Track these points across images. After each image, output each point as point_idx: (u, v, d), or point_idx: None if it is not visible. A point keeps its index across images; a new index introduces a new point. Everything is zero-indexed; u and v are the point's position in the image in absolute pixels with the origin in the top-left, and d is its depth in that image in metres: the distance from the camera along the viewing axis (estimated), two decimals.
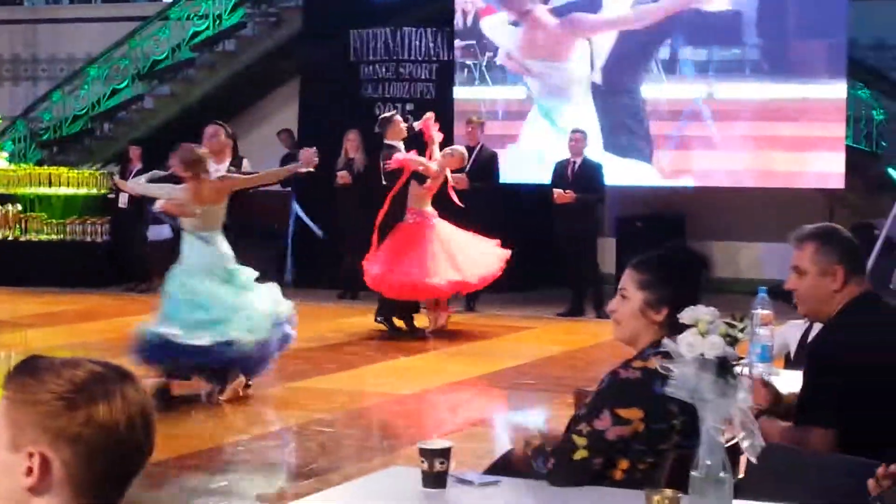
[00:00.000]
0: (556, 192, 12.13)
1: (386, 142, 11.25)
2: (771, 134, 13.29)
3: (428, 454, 3.18)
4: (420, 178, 11.12)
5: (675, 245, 3.63)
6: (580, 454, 3.27)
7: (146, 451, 1.82)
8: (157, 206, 8.65)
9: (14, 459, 1.76)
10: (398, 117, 11.47)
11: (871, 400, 3.62)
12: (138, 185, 8.88)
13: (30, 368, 1.80)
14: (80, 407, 1.75)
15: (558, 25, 14.02)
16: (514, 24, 14.26)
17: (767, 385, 3.90)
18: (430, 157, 11.27)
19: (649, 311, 3.41)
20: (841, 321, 3.73)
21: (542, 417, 8.15)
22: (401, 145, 11.17)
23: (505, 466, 3.61)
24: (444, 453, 3.19)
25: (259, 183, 9.21)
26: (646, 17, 13.76)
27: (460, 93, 14.46)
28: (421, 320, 11.38)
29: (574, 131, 12.65)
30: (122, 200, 14.22)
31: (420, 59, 14.89)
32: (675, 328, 3.24)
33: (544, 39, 14.00)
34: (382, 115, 11.74)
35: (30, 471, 1.75)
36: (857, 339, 3.67)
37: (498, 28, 14.27)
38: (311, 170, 8.83)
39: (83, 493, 1.77)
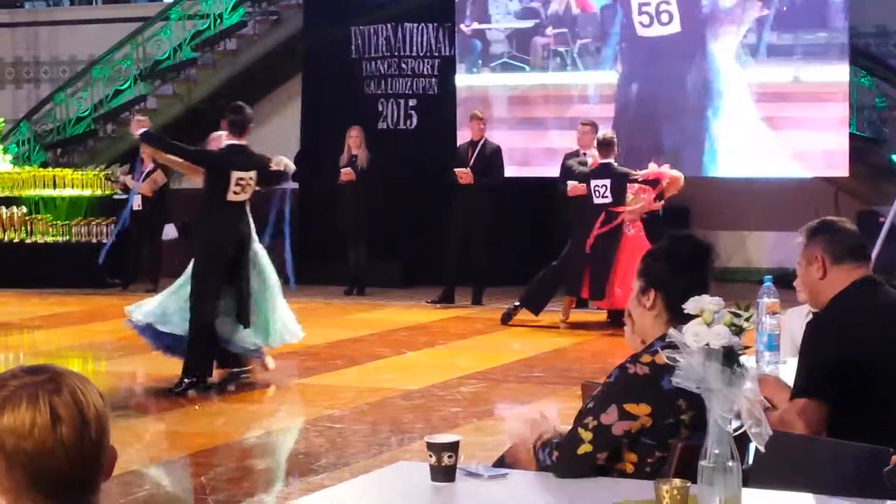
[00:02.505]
0: (570, 184, 11.90)
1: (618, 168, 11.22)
2: (774, 123, 13.27)
3: (436, 448, 3.18)
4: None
5: (673, 233, 3.62)
6: (584, 448, 3.27)
7: (65, 455, 1.84)
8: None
9: None
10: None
11: (859, 376, 3.73)
12: None
13: None
14: None
15: None
16: None
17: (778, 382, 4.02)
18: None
19: (642, 297, 3.43)
20: (835, 303, 3.90)
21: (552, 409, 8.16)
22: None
23: (514, 460, 3.61)
24: (452, 447, 3.19)
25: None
26: None
27: (563, 78, 14.20)
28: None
29: (583, 123, 12.37)
30: (136, 202, 14.22)
31: (422, 54, 14.89)
32: (677, 314, 3.24)
33: None
34: (606, 138, 11.34)
35: None
36: (850, 317, 3.84)
37: None
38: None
39: (20, 500, 1.84)
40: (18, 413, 1.83)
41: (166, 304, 8.54)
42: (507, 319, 11.55)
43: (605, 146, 11.23)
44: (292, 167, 9.04)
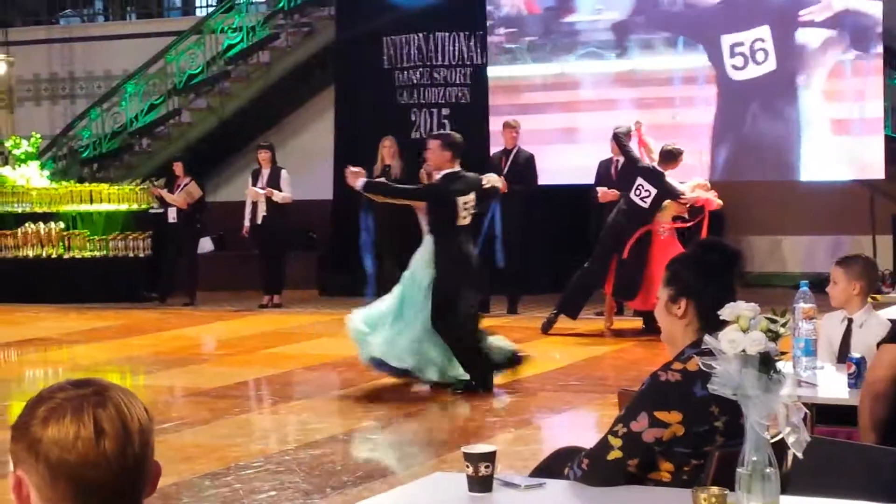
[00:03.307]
0: (601, 190, 11.98)
1: (670, 183, 11.02)
2: (809, 126, 13.18)
3: (473, 458, 3.19)
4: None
5: (701, 240, 3.65)
6: (614, 455, 3.27)
7: (108, 469, 1.86)
8: None
9: (9, 481, 1.93)
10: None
11: None
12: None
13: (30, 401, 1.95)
14: (36, 431, 1.87)
15: None
16: None
17: None
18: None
19: (672, 306, 3.42)
20: None
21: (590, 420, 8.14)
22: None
23: (550, 469, 3.61)
24: (489, 457, 3.19)
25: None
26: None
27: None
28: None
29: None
30: (171, 215, 14.35)
31: (454, 63, 14.91)
32: (707, 321, 3.24)
33: None
34: (669, 148, 11.21)
35: (14, 490, 1.91)
36: None
37: None
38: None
39: None
40: (63, 425, 1.86)
41: (393, 339, 8.69)
42: (547, 328, 11.53)
43: (668, 158, 11.16)
44: (500, 183, 9.31)
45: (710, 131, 13.54)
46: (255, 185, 14.02)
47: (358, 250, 14.63)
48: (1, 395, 9.39)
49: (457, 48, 14.90)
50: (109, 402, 1.89)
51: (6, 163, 16.06)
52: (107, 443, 1.86)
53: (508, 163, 12.72)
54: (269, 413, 8.57)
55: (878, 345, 4.01)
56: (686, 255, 3.56)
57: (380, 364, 8.71)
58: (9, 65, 17.96)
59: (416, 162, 13.73)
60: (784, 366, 2.97)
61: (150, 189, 14.97)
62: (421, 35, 14.95)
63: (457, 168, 8.86)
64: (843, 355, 5.08)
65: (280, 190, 13.89)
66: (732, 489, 2.83)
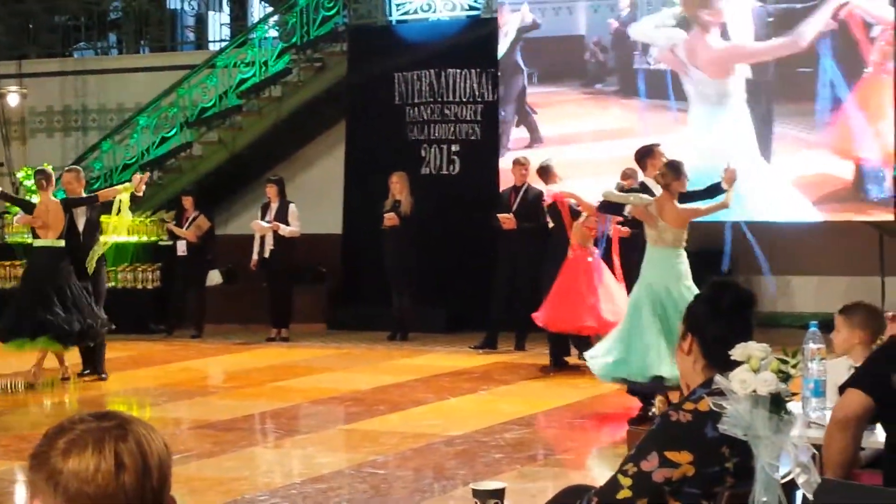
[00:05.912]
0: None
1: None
2: (817, 165, 13.19)
3: (481, 495, 3.18)
4: (576, 213, 11.32)
5: (717, 279, 3.63)
6: (623, 494, 3.26)
7: (126, 502, 1.87)
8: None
9: None
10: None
11: None
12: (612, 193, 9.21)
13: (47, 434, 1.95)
14: (56, 462, 1.87)
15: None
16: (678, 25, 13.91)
17: None
18: None
19: (682, 342, 3.44)
20: None
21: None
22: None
23: None
24: (498, 494, 3.19)
25: None
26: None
27: None
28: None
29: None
30: (181, 248, 14.39)
31: (465, 100, 14.97)
32: (711, 360, 3.25)
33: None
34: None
35: None
36: None
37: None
38: None
39: None
40: (83, 458, 1.86)
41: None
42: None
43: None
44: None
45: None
46: (263, 218, 14.06)
47: (367, 284, 14.66)
48: (9, 426, 9.39)
49: (468, 85, 14.95)
50: (130, 435, 1.90)
51: (17, 193, 16.10)
52: (126, 477, 1.87)
53: (518, 200, 12.73)
54: (275, 447, 8.55)
55: (841, 389, 4.08)
56: (700, 294, 3.59)
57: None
58: (22, 97, 18.06)
59: (425, 197, 13.79)
60: (794, 406, 2.97)
61: (165, 224, 15.02)
62: (432, 72, 15.02)
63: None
64: None
65: (288, 224, 13.92)
66: None
